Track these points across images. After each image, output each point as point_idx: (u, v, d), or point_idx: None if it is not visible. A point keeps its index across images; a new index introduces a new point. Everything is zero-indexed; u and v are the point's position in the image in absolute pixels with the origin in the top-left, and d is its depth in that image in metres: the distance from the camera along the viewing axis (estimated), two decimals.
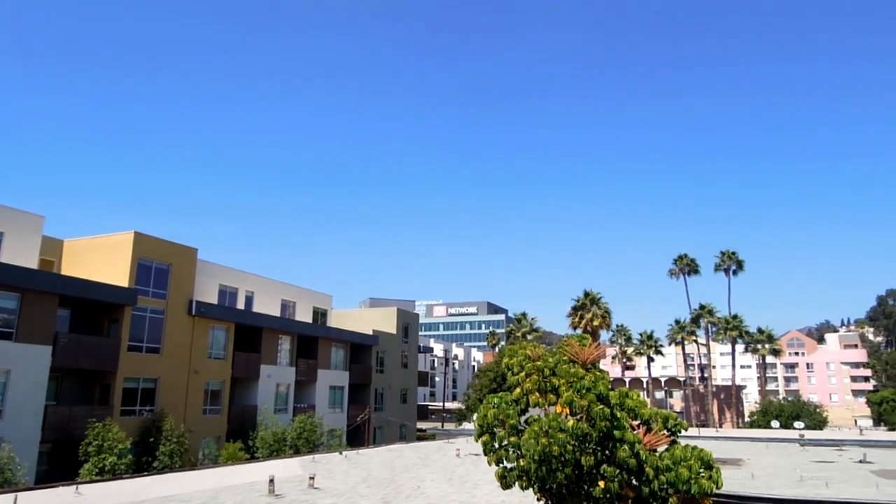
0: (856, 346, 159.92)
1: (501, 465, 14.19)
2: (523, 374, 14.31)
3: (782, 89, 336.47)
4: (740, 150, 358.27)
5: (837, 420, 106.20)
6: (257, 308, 48.91)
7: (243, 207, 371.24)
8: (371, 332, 60.44)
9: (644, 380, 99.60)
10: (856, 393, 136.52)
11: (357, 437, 54.70)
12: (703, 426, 78.20)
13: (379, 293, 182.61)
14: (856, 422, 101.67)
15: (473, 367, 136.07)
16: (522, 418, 14.22)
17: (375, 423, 58.34)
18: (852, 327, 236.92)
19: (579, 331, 73.40)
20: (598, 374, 14.21)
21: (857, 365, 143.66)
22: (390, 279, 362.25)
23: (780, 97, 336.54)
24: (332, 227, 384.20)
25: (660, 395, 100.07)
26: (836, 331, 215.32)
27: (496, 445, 14.18)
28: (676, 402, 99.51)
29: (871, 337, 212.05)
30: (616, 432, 13.27)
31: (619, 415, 13.75)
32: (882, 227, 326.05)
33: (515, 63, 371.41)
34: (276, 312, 51.12)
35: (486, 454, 14.28)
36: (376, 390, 60.73)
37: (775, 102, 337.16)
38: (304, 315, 54.78)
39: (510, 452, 14.01)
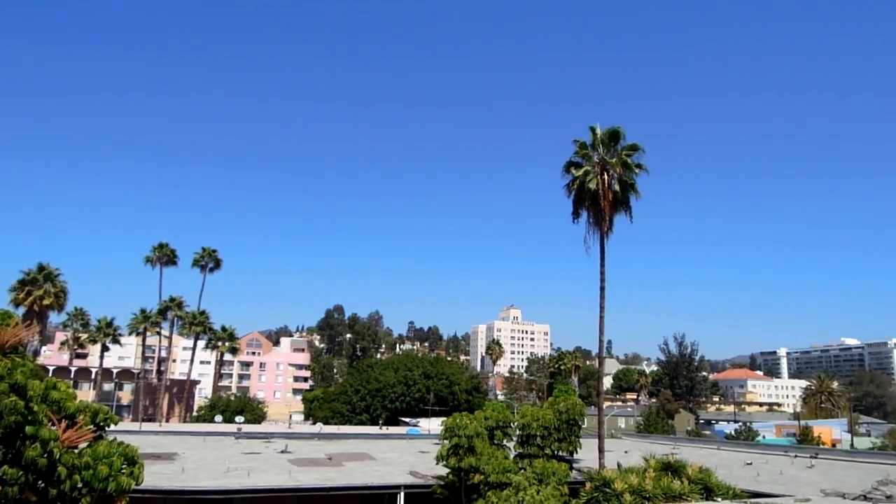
0: (303, 350, 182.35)
1: None
2: None
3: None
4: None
5: (276, 415, 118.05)
6: None
7: None
8: None
9: (94, 370, 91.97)
10: (296, 391, 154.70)
11: None
12: (150, 420, 76.45)
13: None
14: (290, 416, 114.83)
15: None
16: None
17: None
18: (304, 333, 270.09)
19: (23, 309, 63.34)
20: (17, 360, 12.23)
21: (301, 367, 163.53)
22: None
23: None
24: None
25: (109, 387, 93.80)
26: (291, 335, 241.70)
27: None
28: (126, 395, 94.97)
29: (317, 343, 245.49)
30: (29, 428, 11.54)
31: (37, 408, 12.02)
32: (338, 245, 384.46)
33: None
34: None
35: None
36: None
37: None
38: None
39: None
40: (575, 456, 32.80)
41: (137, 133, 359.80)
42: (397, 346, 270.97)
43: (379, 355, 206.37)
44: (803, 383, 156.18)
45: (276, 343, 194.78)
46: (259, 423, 79.08)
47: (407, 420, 77.58)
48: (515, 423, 32.50)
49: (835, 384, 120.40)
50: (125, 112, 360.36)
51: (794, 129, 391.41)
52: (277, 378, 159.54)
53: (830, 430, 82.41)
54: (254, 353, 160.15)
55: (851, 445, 66.32)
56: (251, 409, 79.94)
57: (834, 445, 68.34)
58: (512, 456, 31.09)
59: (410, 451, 43.35)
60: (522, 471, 28.62)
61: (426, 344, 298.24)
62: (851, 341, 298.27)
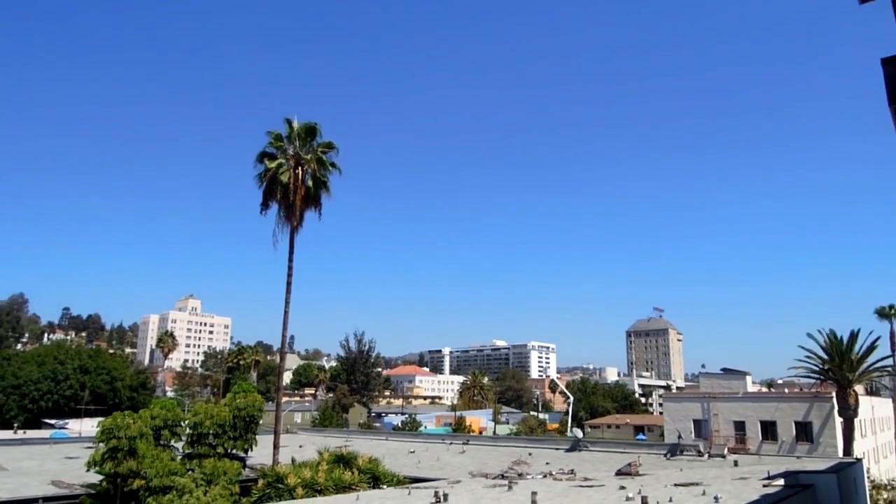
0: None
1: None
2: None
3: None
4: None
5: None
6: None
7: None
8: None
9: None
10: None
11: None
12: None
13: None
14: None
15: None
16: None
17: None
18: None
19: None
20: None
21: None
22: None
23: None
24: None
25: None
26: None
27: None
28: None
29: None
30: None
31: None
32: None
33: None
34: None
35: None
36: None
37: None
38: None
39: None
40: (250, 453, 31.91)
41: None
42: (46, 335, 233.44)
43: (20, 346, 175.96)
44: (461, 378, 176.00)
45: None
46: None
47: (53, 422, 67.37)
48: (187, 422, 30.38)
49: (485, 379, 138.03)
50: None
51: (485, 127, 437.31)
52: None
53: (479, 419, 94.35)
54: None
55: (494, 432, 76.78)
56: None
57: (481, 433, 78.35)
58: (180, 457, 28.98)
59: (54, 458, 37.78)
60: (191, 472, 26.84)
61: (84, 334, 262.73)
62: (501, 342, 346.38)
